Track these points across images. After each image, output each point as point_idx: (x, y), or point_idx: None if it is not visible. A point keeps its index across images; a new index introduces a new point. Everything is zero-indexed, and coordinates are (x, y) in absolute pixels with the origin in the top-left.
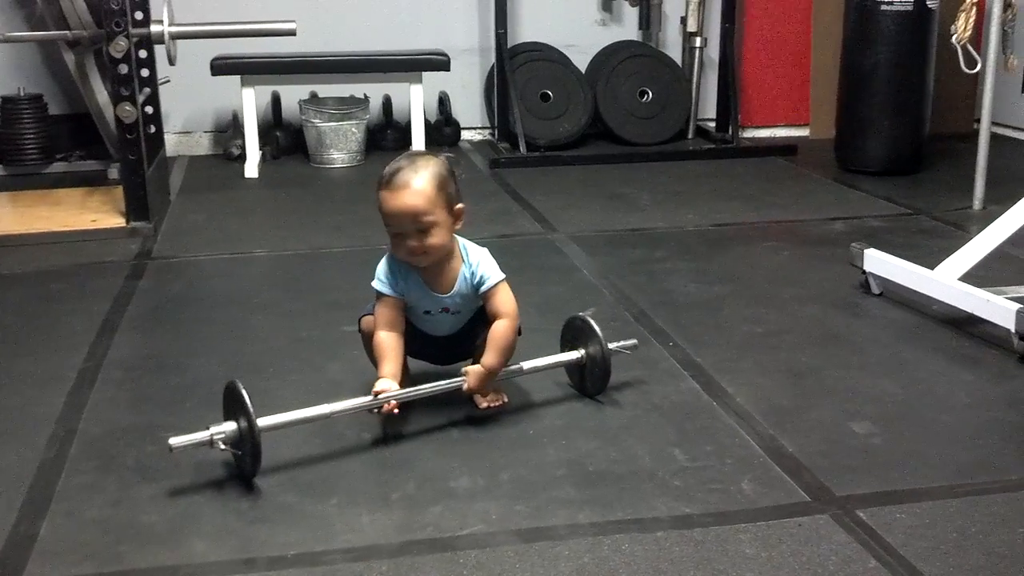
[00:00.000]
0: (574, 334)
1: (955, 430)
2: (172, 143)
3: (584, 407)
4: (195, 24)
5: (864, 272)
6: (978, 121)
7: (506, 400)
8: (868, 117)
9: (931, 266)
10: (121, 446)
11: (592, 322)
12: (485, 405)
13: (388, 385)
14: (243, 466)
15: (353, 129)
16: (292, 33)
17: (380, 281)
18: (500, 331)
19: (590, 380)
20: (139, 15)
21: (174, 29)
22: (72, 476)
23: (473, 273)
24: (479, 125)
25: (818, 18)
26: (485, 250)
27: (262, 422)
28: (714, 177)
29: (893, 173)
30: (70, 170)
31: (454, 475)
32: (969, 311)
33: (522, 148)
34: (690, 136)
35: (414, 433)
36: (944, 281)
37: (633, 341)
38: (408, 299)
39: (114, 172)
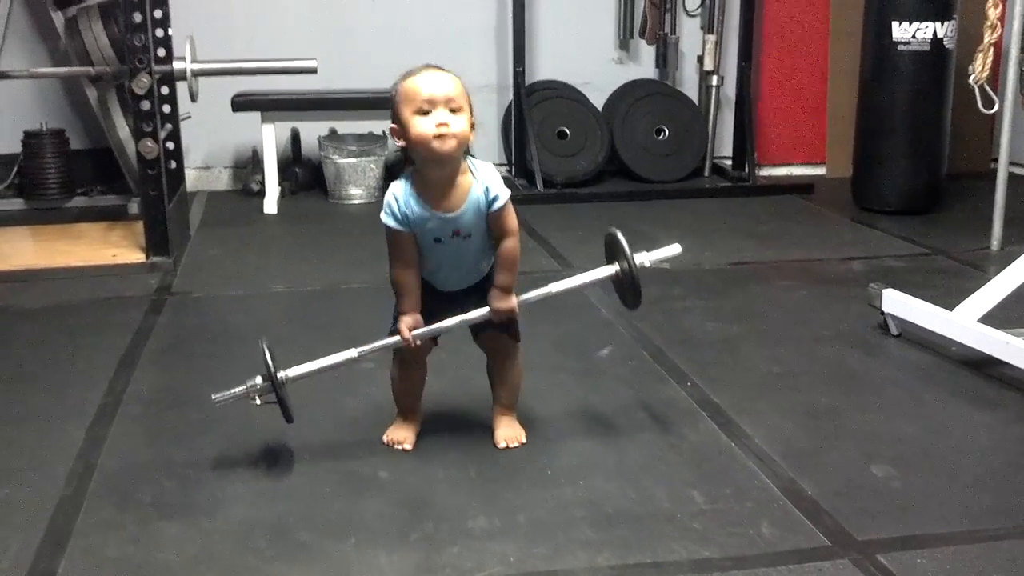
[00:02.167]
0: (609, 250)
1: (975, 474)
2: (192, 178)
3: (602, 447)
4: (217, 61)
5: (883, 313)
6: (996, 160)
7: (524, 440)
8: (885, 156)
9: (950, 307)
10: (140, 482)
11: (620, 237)
12: (504, 445)
13: (412, 320)
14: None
15: (371, 165)
16: (313, 71)
17: (387, 214)
18: (510, 249)
19: (622, 295)
20: (162, 52)
21: (196, 66)
22: (91, 513)
23: (487, 189)
24: (496, 162)
25: (835, 57)
26: (491, 165)
27: (292, 372)
28: (731, 215)
29: (910, 212)
30: (91, 204)
31: (472, 515)
32: (988, 353)
33: (539, 185)
34: (707, 174)
35: (431, 471)
36: (963, 323)
37: (675, 248)
38: (417, 229)
39: (135, 207)
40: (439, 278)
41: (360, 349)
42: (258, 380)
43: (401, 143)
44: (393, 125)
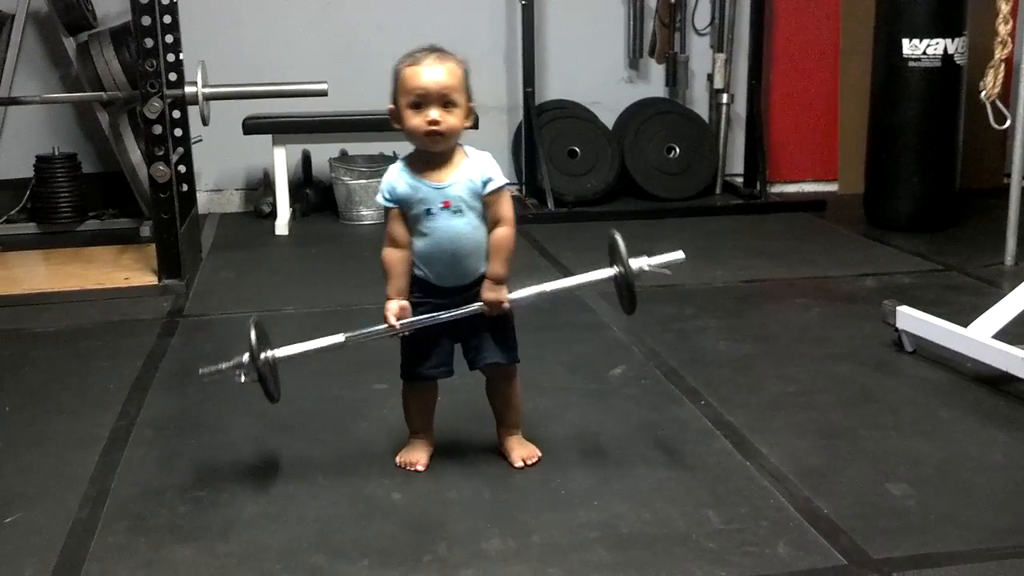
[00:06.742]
0: (610, 253)
1: (991, 491)
2: (204, 200)
3: (616, 467)
4: (228, 85)
5: (897, 330)
6: (1008, 176)
7: (539, 455)
8: (897, 172)
9: (964, 323)
10: (153, 506)
11: (619, 240)
12: (522, 464)
13: (398, 307)
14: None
15: None
16: (323, 94)
17: (380, 192)
18: (502, 236)
19: (620, 299)
20: (173, 76)
21: (208, 90)
22: (105, 537)
23: (481, 171)
24: (507, 182)
25: (845, 74)
26: (488, 155)
27: (279, 352)
28: (742, 233)
29: (923, 229)
30: (103, 228)
31: (485, 537)
32: (1004, 369)
33: (550, 204)
34: (718, 192)
35: (445, 493)
36: (978, 339)
37: (679, 254)
38: (409, 203)
39: (146, 230)
40: (435, 267)
41: (348, 335)
42: (246, 357)
43: (397, 126)
44: (391, 106)
